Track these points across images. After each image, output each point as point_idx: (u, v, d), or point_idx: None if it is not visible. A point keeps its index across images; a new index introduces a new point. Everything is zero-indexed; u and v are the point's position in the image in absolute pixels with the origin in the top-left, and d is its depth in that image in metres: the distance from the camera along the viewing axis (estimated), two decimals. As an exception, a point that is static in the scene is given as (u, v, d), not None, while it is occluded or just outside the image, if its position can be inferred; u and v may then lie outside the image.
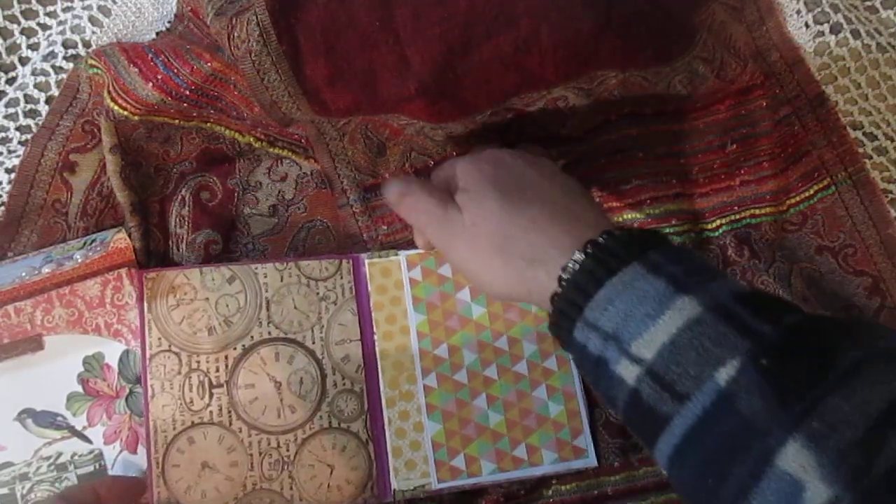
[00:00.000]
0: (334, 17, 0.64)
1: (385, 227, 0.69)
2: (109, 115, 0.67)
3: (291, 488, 0.63)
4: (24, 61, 0.72)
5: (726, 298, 0.44)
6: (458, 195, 0.58)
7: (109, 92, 0.67)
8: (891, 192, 0.70)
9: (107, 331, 0.64)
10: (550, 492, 0.66)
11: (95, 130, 0.69)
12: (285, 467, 0.63)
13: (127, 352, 0.64)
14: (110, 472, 0.63)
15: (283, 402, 0.64)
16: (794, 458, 0.39)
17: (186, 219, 0.69)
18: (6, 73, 0.72)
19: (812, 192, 0.70)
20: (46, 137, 0.69)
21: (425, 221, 0.59)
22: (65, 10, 0.72)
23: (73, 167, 0.69)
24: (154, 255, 0.68)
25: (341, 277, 0.67)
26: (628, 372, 0.45)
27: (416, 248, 0.69)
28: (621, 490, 0.66)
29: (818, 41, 0.72)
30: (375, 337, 0.66)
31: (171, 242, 0.69)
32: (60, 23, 0.72)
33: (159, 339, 0.63)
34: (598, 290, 0.47)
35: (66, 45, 0.71)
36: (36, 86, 0.70)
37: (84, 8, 0.71)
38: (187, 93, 0.66)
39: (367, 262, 0.67)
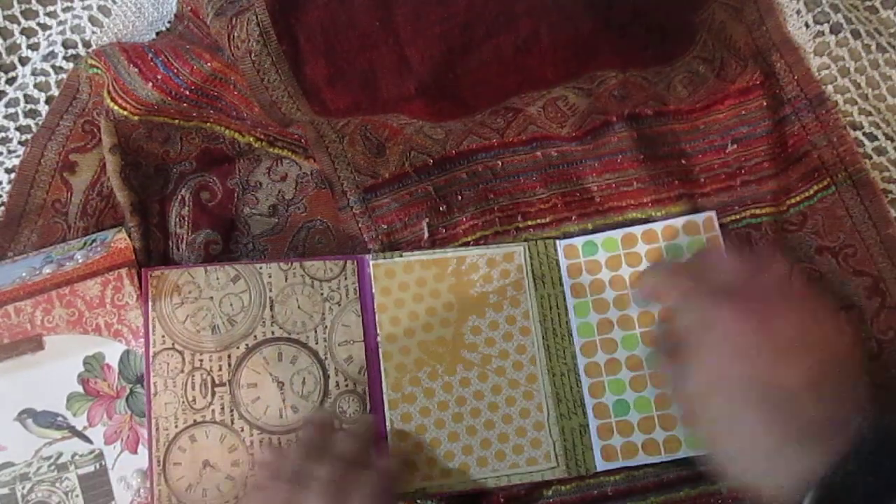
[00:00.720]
0: (334, 17, 0.64)
1: (385, 227, 0.69)
2: (109, 115, 0.67)
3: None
4: (24, 61, 0.72)
5: None
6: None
7: (109, 92, 0.67)
8: (891, 192, 0.70)
9: (107, 331, 0.64)
10: (551, 492, 0.66)
11: (95, 130, 0.69)
12: (287, 467, 0.63)
13: (127, 352, 0.64)
14: (110, 473, 0.63)
15: (286, 401, 0.64)
16: None
17: (186, 219, 0.69)
18: (6, 73, 0.72)
19: (812, 192, 0.70)
20: (46, 137, 0.69)
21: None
22: (65, 10, 0.72)
23: (73, 167, 0.69)
24: (154, 255, 0.68)
25: (346, 278, 0.67)
26: None
27: (417, 248, 0.69)
28: (621, 490, 0.65)
29: (818, 41, 0.72)
30: (379, 339, 0.66)
31: (171, 242, 0.69)
32: (60, 23, 0.72)
33: (163, 337, 0.63)
34: None
35: (66, 45, 0.71)
36: (36, 86, 0.70)
37: (84, 8, 0.71)
38: (187, 93, 0.66)
39: (371, 263, 0.67)
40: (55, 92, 0.70)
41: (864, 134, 0.71)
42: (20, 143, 0.70)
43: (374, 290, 0.67)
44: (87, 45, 0.71)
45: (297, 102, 0.67)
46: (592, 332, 0.68)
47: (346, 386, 0.65)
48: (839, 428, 0.48)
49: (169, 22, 0.73)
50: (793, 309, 0.53)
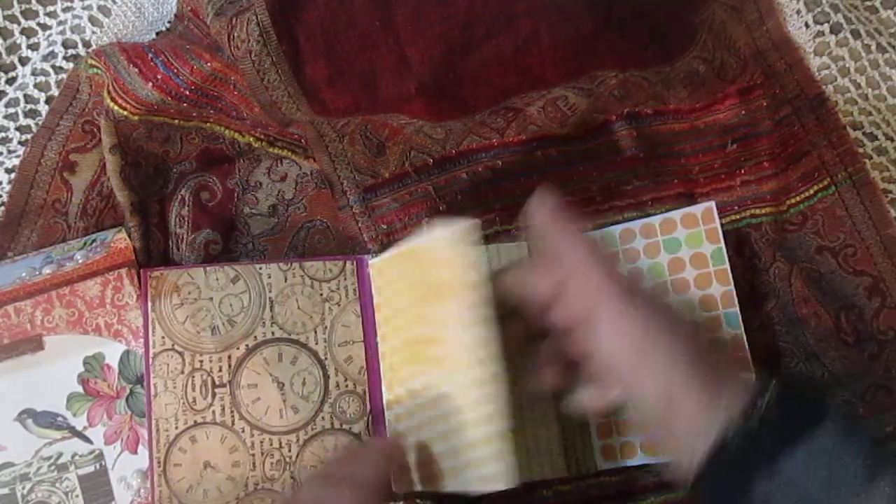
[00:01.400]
0: (334, 17, 0.64)
1: (385, 227, 0.69)
2: (109, 115, 0.67)
3: (293, 489, 0.63)
4: (24, 61, 0.72)
5: None
6: None
7: (109, 92, 0.67)
8: (891, 192, 0.70)
9: (107, 331, 0.64)
10: (551, 492, 0.66)
11: (95, 130, 0.69)
12: (287, 468, 0.63)
13: (127, 352, 0.64)
14: (111, 473, 0.63)
15: (286, 402, 0.64)
16: None
17: (186, 219, 0.69)
18: (6, 73, 0.72)
19: (812, 192, 0.70)
20: (46, 137, 0.69)
21: None
22: (65, 10, 0.72)
23: (73, 167, 0.69)
24: (154, 255, 0.68)
25: (345, 279, 0.67)
26: None
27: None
28: (621, 490, 0.66)
29: (818, 41, 0.72)
30: (378, 338, 0.66)
31: (170, 242, 0.69)
32: (60, 23, 0.72)
33: (163, 338, 0.63)
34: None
35: (66, 45, 0.71)
36: (36, 86, 0.70)
37: (84, 8, 0.71)
38: (187, 93, 0.66)
39: (370, 263, 0.67)
40: (55, 92, 0.70)
41: (864, 134, 0.72)
42: (20, 143, 0.70)
43: (373, 291, 0.67)
44: (87, 45, 0.71)
45: (297, 102, 0.67)
46: None
47: (347, 386, 0.65)
48: (736, 379, 0.51)
49: (169, 22, 0.73)
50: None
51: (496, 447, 0.58)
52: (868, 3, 0.74)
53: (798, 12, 0.73)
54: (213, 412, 0.63)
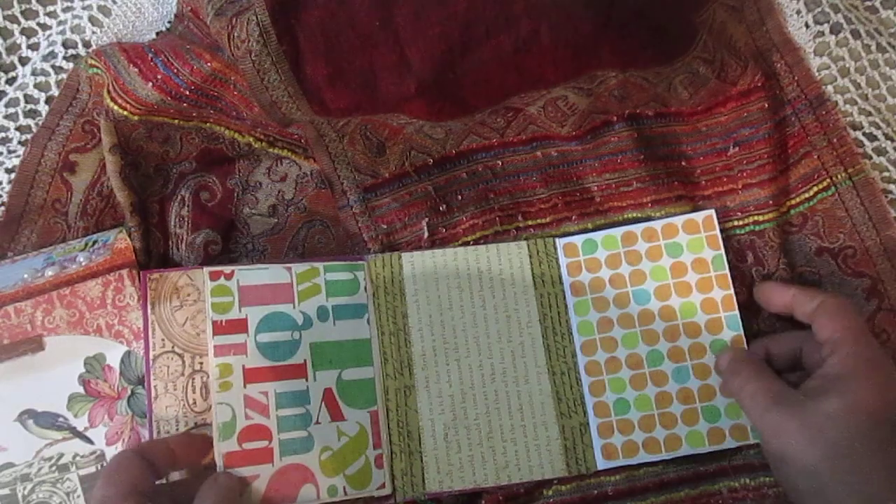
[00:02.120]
0: (334, 17, 0.64)
1: (385, 227, 0.69)
2: (109, 115, 0.67)
3: None
4: (24, 61, 0.72)
5: None
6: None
7: (109, 92, 0.67)
8: (891, 192, 0.70)
9: (108, 332, 0.64)
10: (551, 492, 0.66)
11: (95, 130, 0.69)
12: (287, 468, 0.63)
13: (128, 353, 0.64)
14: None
15: (286, 403, 0.64)
16: None
17: (186, 219, 0.69)
18: (6, 73, 0.71)
19: (812, 193, 0.70)
20: (46, 137, 0.69)
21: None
22: (65, 10, 0.72)
23: (73, 167, 0.69)
24: (154, 256, 0.68)
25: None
26: None
27: (417, 248, 0.69)
28: (621, 490, 0.66)
29: (818, 41, 0.72)
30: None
31: (170, 242, 0.69)
32: (60, 23, 0.72)
33: (163, 340, 0.63)
34: None
35: (66, 45, 0.71)
36: (36, 86, 0.70)
37: (84, 8, 0.71)
38: (187, 93, 0.66)
39: (367, 261, 0.67)
40: (55, 92, 0.70)
41: (864, 134, 0.71)
42: (20, 143, 0.70)
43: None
44: (87, 45, 0.71)
45: (297, 102, 0.67)
46: (592, 330, 0.68)
47: (347, 387, 0.65)
48: None
49: (169, 22, 0.73)
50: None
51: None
52: (868, 3, 0.74)
53: (798, 12, 0.72)
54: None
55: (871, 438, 0.51)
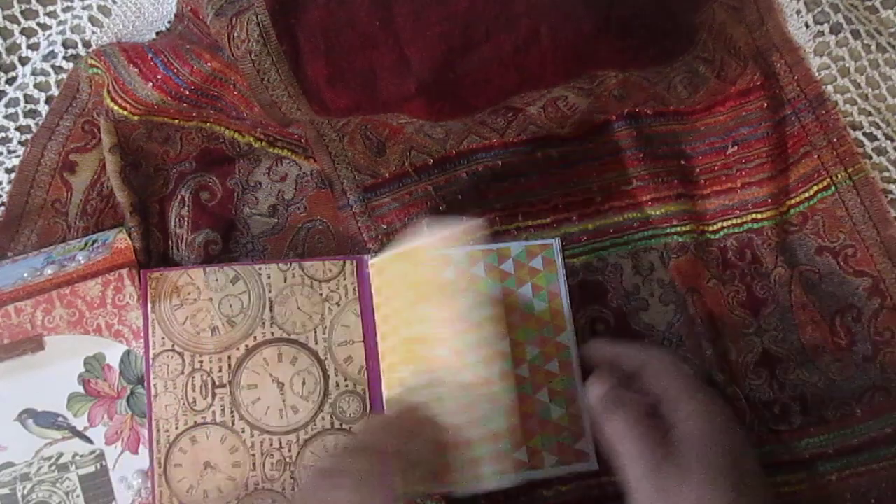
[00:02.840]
0: (334, 17, 0.64)
1: (385, 227, 0.69)
2: (109, 115, 0.67)
3: (293, 489, 0.63)
4: (24, 61, 0.72)
5: None
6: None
7: (109, 92, 0.67)
8: (891, 192, 0.70)
9: (108, 331, 0.64)
10: (551, 492, 0.66)
11: (95, 130, 0.69)
12: (287, 468, 0.63)
13: (128, 352, 0.64)
14: (111, 474, 0.63)
15: (286, 402, 0.64)
16: None
17: (186, 219, 0.69)
18: (6, 73, 0.71)
19: (812, 192, 0.70)
20: (46, 137, 0.69)
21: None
22: (65, 10, 0.72)
23: (73, 167, 0.69)
24: (154, 255, 0.68)
25: (344, 279, 0.67)
26: None
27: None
28: (622, 490, 0.66)
29: (818, 41, 0.72)
30: (378, 338, 0.66)
31: (170, 242, 0.69)
32: (60, 23, 0.72)
33: (163, 339, 0.63)
34: None
35: (66, 45, 0.71)
36: (36, 86, 0.70)
37: (84, 8, 0.71)
38: (187, 93, 0.66)
39: (370, 263, 0.67)
40: (55, 92, 0.70)
41: (864, 134, 0.71)
42: (20, 143, 0.70)
43: (373, 291, 0.67)
44: (87, 45, 0.71)
45: (297, 102, 0.67)
46: None
47: (346, 386, 0.65)
48: None
49: (169, 22, 0.73)
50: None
51: (496, 446, 0.59)
52: (868, 3, 0.74)
53: (798, 12, 0.72)
54: (214, 413, 0.63)
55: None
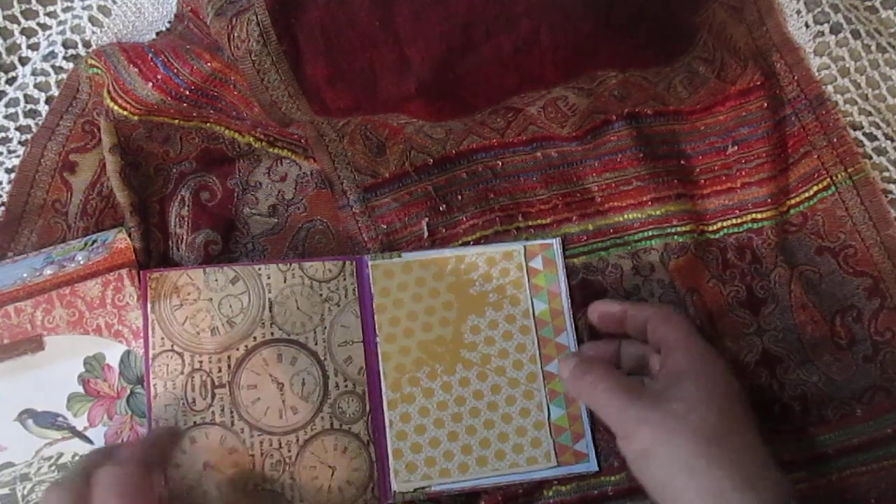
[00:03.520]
0: (334, 17, 0.64)
1: (385, 227, 0.69)
2: (109, 115, 0.67)
3: (292, 489, 0.63)
4: (24, 61, 0.72)
5: None
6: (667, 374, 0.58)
7: (109, 92, 0.67)
8: (891, 192, 0.70)
9: (107, 331, 0.64)
10: (551, 492, 0.66)
11: (95, 130, 0.69)
12: (287, 468, 0.63)
13: (128, 352, 0.64)
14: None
15: (286, 402, 0.64)
16: None
17: (186, 219, 0.69)
18: (6, 73, 0.71)
19: (812, 192, 0.70)
20: (46, 137, 0.69)
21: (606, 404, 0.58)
22: (65, 10, 0.72)
23: (73, 167, 0.69)
24: (154, 255, 0.68)
25: (344, 279, 0.67)
26: None
27: (417, 248, 0.69)
28: (621, 490, 0.66)
29: (818, 41, 0.72)
30: (378, 339, 0.67)
31: (170, 242, 0.69)
32: (60, 23, 0.72)
33: (162, 339, 0.63)
34: None
35: (66, 45, 0.71)
36: (36, 86, 0.70)
37: (84, 8, 0.71)
38: (187, 93, 0.66)
39: (370, 264, 0.67)
40: (55, 92, 0.70)
41: (864, 134, 0.71)
42: (20, 143, 0.70)
43: (372, 291, 0.67)
44: (87, 45, 0.71)
45: (297, 102, 0.67)
46: None
47: (346, 387, 0.65)
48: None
49: (169, 22, 0.73)
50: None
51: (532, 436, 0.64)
52: (868, 3, 0.74)
53: (798, 12, 0.72)
54: (213, 413, 0.63)
55: (715, 431, 0.54)
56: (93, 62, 0.68)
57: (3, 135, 0.69)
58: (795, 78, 0.72)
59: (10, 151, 0.69)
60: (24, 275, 0.62)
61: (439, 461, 0.65)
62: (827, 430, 0.67)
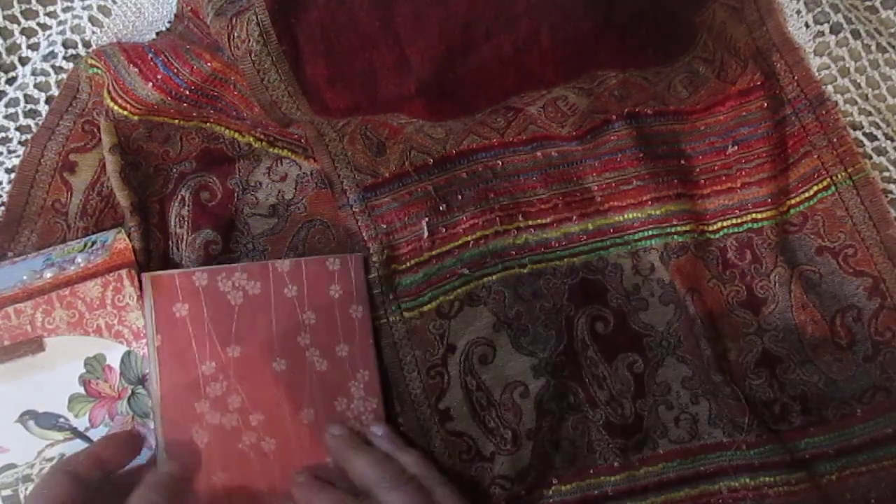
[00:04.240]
0: (334, 17, 0.64)
1: (385, 227, 0.69)
2: (109, 115, 0.67)
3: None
4: (24, 61, 0.71)
5: None
6: None
7: (109, 92, 0.67)
8: (891, 192, 0.70)
9: (108, 332, 0.63)
10: (551, 492, 0.66)
11: (95, 130, 0.69)
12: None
13: (128, 353, 0.64)
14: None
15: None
16: None
17: (186, 219, 0.69)
18: (6, 73, 0.71)
19: (812, 192, 0.71)
20: (46, 137, 0.69)
21: None
22: (65, 10, 0.72)
23: (73, 167, 0.69)
24: (154, 255, 0.68)
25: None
26: None
27: (417, 247, 0.69)
28: (621, 490, 0.66)
29: (818, 41, 0.72)
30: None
31: (170, 242, 0.69)
32: (60, 23, 0.72)
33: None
34: None
35: (66, 45, 0.71)
36: (36, 86, 0.70)
37: (84, 8, 0.71)
38: (187, 93, 0.66)
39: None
40: (55, 92, 0.70)
41: (864, 134, 0.72)
42: (20, 143, 0.70)
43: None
44: (87, 45, 0.71)
45: (297, 102, 0.67)
46: None
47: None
48: None
49: (169, 22, 0.73)
50: None
51: None
52: (868, 3, 0.74)
53: (798, 12, 0.72)
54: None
55: None
56: (93, 62, 0.68)
57: (3, 135, 0.69)
58: (795, 78, 0.72)
59: (10, 151, 0.69)
60: (24, 277, 0.62)
61: None
62: (827, 430, 0.67)
